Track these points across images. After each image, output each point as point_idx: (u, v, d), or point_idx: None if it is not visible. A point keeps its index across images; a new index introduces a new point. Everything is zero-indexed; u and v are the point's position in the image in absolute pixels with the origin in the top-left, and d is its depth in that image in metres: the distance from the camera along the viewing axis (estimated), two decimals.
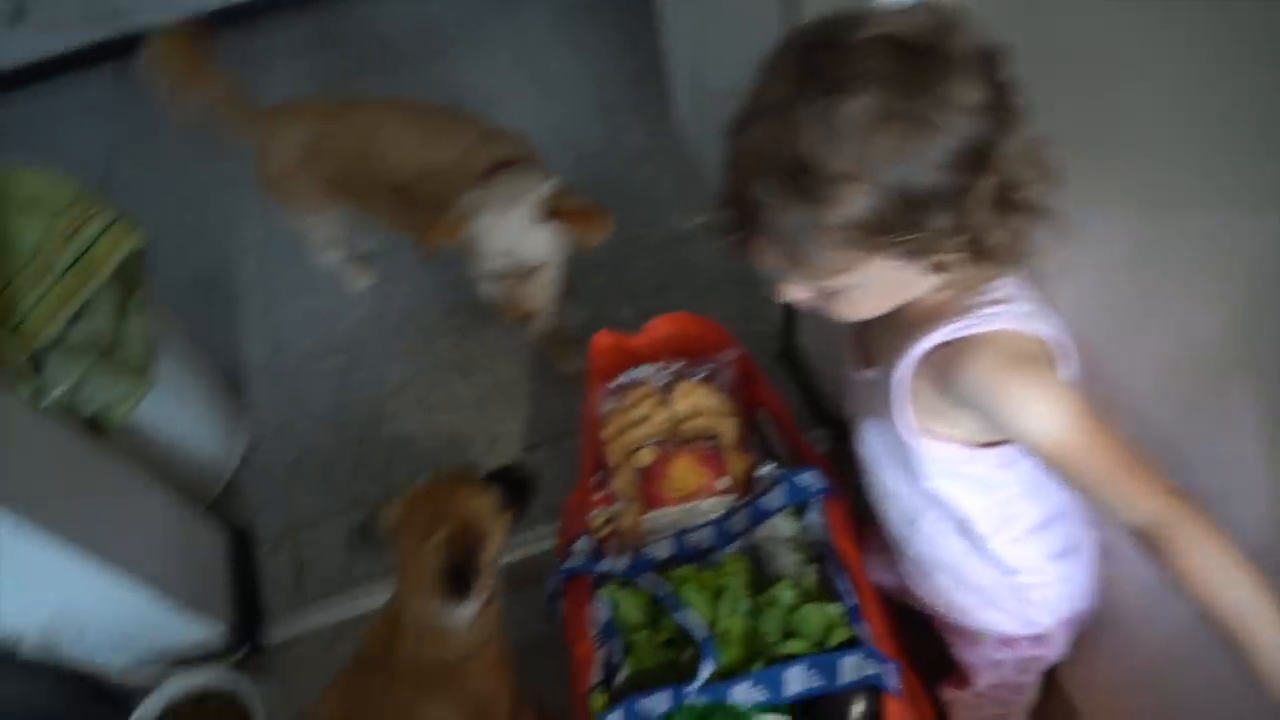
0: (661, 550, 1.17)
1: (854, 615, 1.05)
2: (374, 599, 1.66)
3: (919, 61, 0.64)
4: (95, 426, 1.42)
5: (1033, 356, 0.76)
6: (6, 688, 1.33)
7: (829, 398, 1.75)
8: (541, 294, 1.50)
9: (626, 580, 1.11)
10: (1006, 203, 0.68)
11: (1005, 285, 0.78)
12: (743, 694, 0.99)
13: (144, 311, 1.51)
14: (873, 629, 1.04)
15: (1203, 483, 0.77)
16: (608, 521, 1.28)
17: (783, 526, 1.17)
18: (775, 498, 1.16)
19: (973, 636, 1.07)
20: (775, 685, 0.99)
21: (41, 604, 1.32)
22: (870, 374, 0.90)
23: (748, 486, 1.26)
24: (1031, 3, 0.80)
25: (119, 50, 2.88)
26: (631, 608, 1.09)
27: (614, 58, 2.63)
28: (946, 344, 0.77)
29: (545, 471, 1.78)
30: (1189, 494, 0.72)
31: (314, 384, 2.01)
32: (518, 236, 1.42)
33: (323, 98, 1.80)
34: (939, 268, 0.73)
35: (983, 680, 1.15)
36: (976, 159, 0.66)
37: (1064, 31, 0.78)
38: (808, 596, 1.07)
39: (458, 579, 1.10)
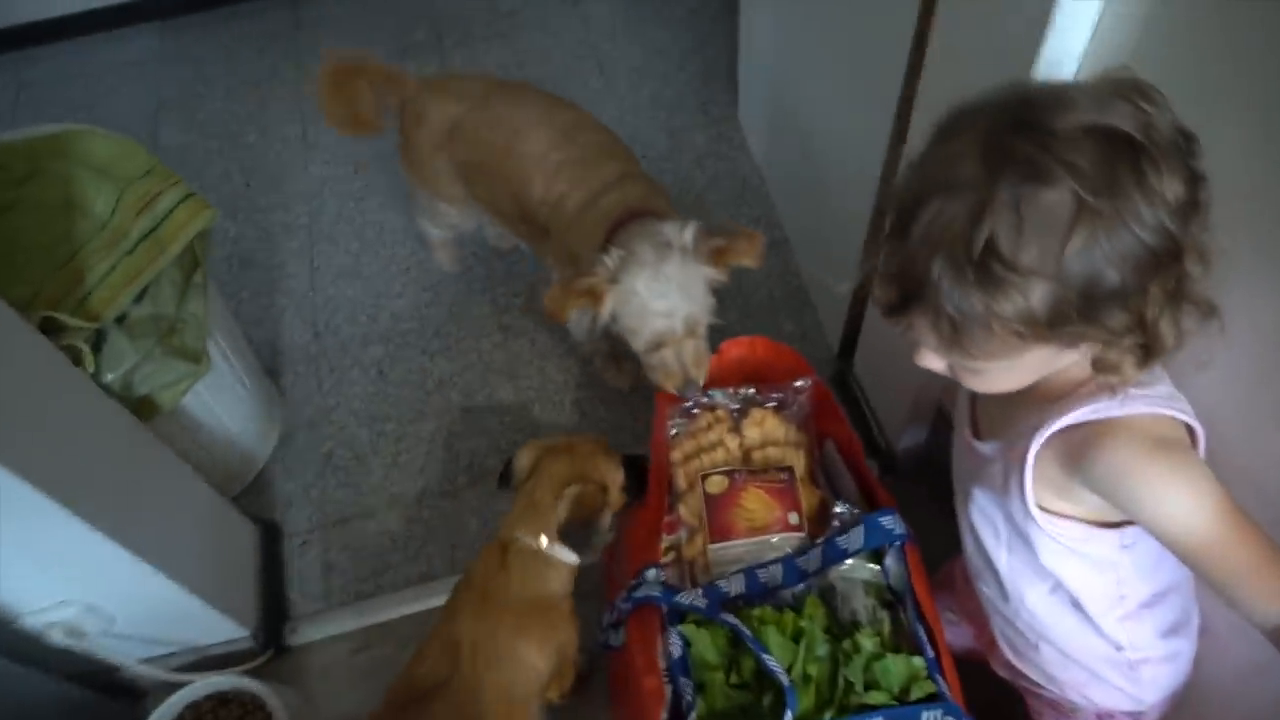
0: (734, 586, 1.12)
1: (934, 668, 1.01)
2: (402, 607, 1.62)
3: (1123, 157, 0.61)
4: (143, 409, 1.37)
5: (1174, 443, 0.74)
6: (30, 677, 1.28)
7: (881, 427, 1.71)
8: (705, 352, 1.33)
9: (705, 618, 1.07)
10: (1180, 297, 0.67)
11: (1146, 373, 0.75)
12: None
13: (204, 292, 1.46)
14: (949, 685, 1.01)
15: None
16: (670, 548, 1.24)
17: (859, 569, 1.13)
18: (854, 539, 1.12)
19: (1067, 710, 1.03)
20: None
21: (74, 592, 1.26)
22: (986, 448, 0.88)
23: (819, 523, 1.22)
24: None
25: (164, 6, 2.80)
26: (707, 646, 1.05)
27: (681, 55, 2.59)
28: (1080, 425, 0.75)
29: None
30: None
31: (352, 374, 1.96)
32: (681, 289, 1.28)
33: (483, 76, 1.72)
34: (1100, 364, 0.71)
35: None
36: (1165, 258, 0.63)
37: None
38: (886, 645, 1.04)
39: (581, 531, 1.22)
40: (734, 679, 1.04)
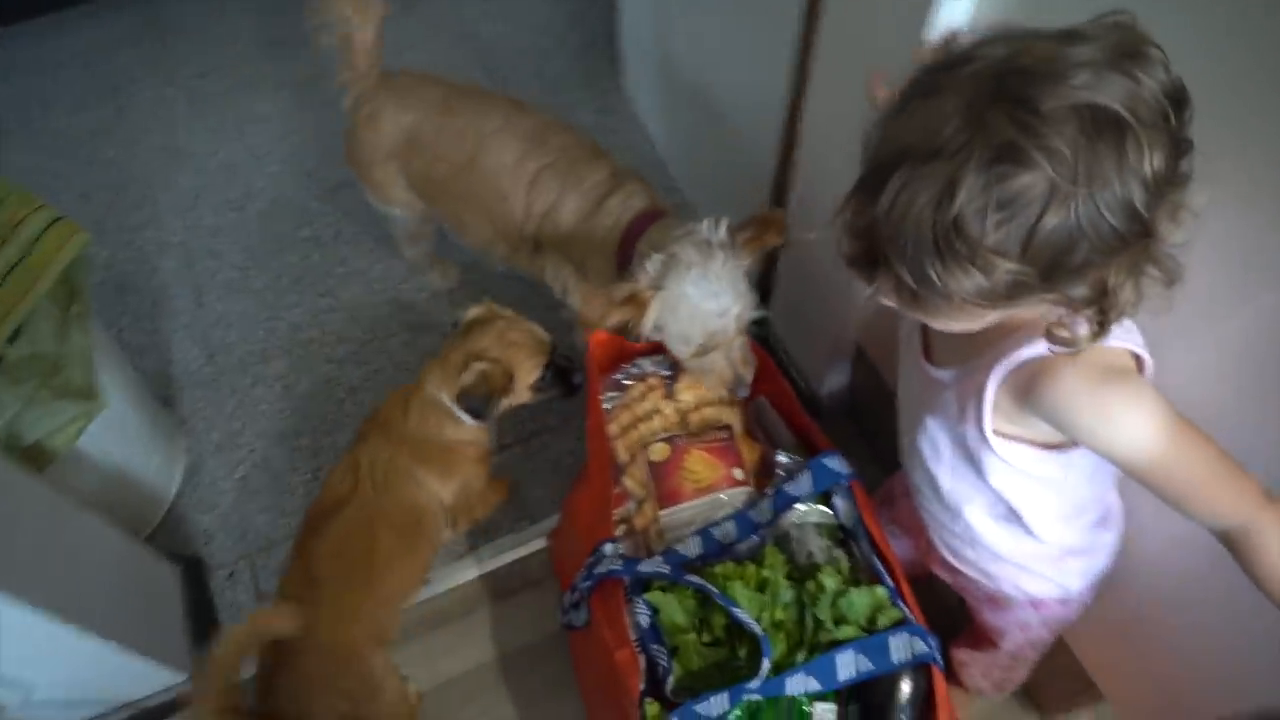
0: (691, 548, 1.12)
1: (895, 595, 1.04)
2: None
3: (1107, 138, 0.59)
4: (35, 457, 1.26)
5: (1121, 371, 0.75)
6: None
7: (804, 375, 1.74)
8: (748, 347, 1.28)
9: (670, 583, 1.06)
10: (1145, 263, 0.66)
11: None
12: (797, 685, 0.97)
13: (85, 324, 1.35)
14: (910, 609, 1.04)
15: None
16: (621, 521, 1.23)
17: (810, 513, 1.14)
18: (803, 484, 1.13)
19: (1004, 602, 1.08)
20: (829, 673, 0.97)
21: None
22: (942, 375, 0.88)
23: (763, 475, 1.23)
24: None
25: None
26: (676, 610, 1.05)
27: (560, 30, 2.55)
28: (1033, 358, 0.76)
29: (515, 472, 1.72)
30: (1274, 493, 0.73)
31: (256, 393, 1.86)
32: (732, 287, 1.21)
33: (440, 80, 1.58)
34: (1054, 337, 0.71)
35: (1009, 641, 1.17)
36: (1133, 238, 0.63)
37: None
38: (847, 581, 1.06)
39: (474, 403, 1.30)
40: (706, 637, 1.04)
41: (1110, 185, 0.60)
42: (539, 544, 1.61)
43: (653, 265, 1.21)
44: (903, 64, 0.69)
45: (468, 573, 1.59)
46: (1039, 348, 0.75)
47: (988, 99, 0.61)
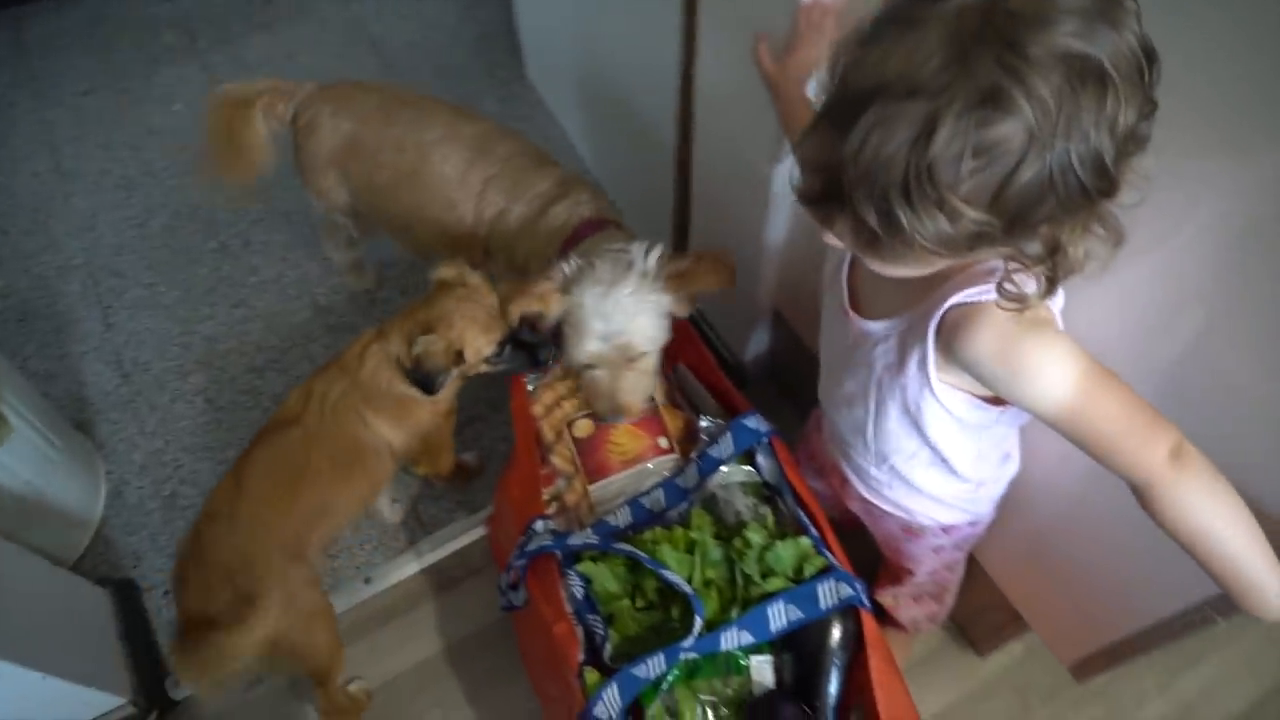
0: (621, 518, 1.15)
1: (820, 544, 1.08)
2: None
3: (1089, 90, 0.57)
4: None
5: (1041, 322, 0.75)
6: None
7: (725, 342, 1.78)
8: (646, 382, 1.26)
9: (601, 553, 1.08)
10: (1095, 222, 0.65)
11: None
12: (731, 640, 1.00)
13: None
14: (835, 554, 1.08)
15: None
16: (552, 499, 1.25)
17: (734, 473, 1.18)
18: (725, 446, 1.16)
19: (916, 531, 1.13)
20: (761, 625, 1.00)
21: None
22: (875, 326, 0.87)
23: (688, 442, 1.26)
24: None
25: None
26: (608, 579, 1.07)
27: (455, 22, 2.53)
28: (957, 304, 0.75)
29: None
30: (1187, 447, 0.72)
31: (176, 409, 1.82)
32: (631, 316, 1.20)
33: (379, 86, 1.56)
34: (1006, 294, 0.70)
35: (923, 568, 1.23)
36: (1099, 193, 0.61)
37: None
38: (773, 535, 1.09)
39: (419, 377, 1.29)
40: (640, 603, 1.07)
41: (1087, 139, 0.58)
42: (478, 532, 1.62)
43: (568, 268, 1.22)
44: (784, 26, 0.68)
45: (409, 568, 1.60)
46: (968, 294, 0.74)
47: (973, 38, 0.58)
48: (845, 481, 1.14)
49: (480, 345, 1.31)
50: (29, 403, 1.52)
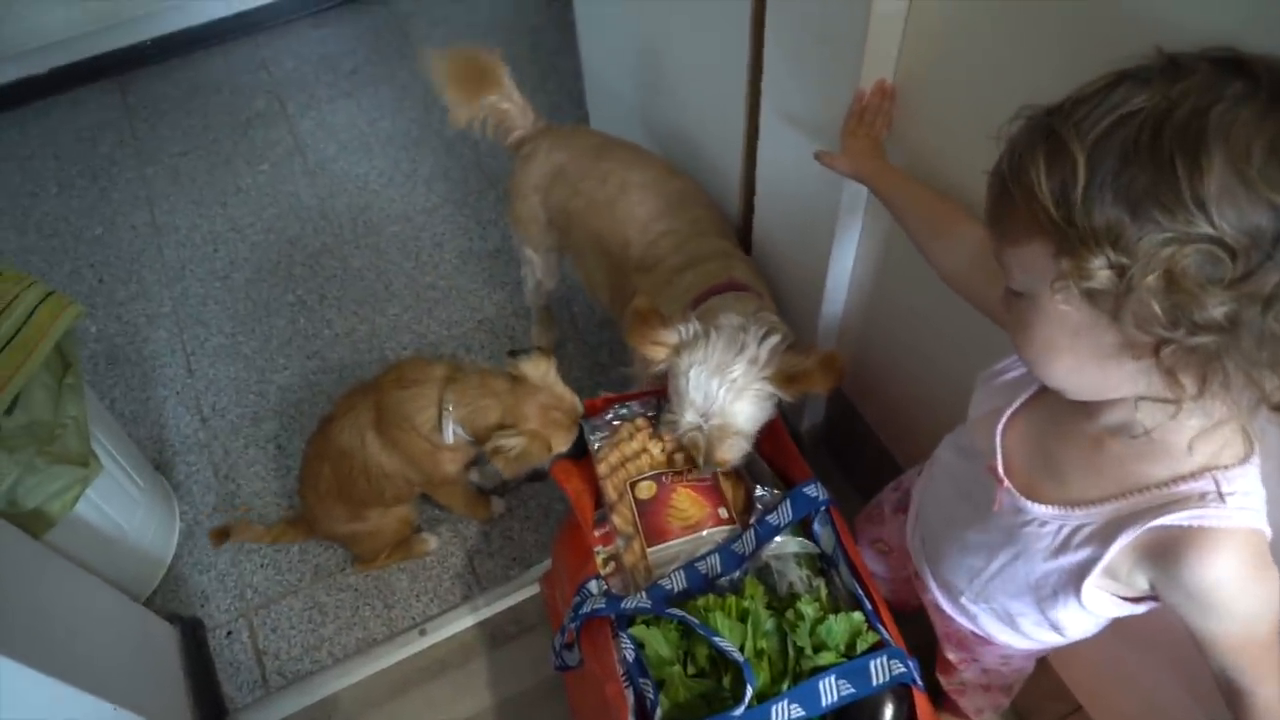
0: (675, 582, 1.16)
1: (874, 619, 1.08)
2: (344, 678, 1.58)
3: None
4: (34, 523, 1.29)
5: (1268, 561, 0.70)
6: None
7: (782, 411, 1.80)
8: (743, 444, 1.26)
9: (654, 617, 1.10)
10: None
11: (1248, 471, 0.69)
12: (781, 712, 0.99)
13: (79, 393, 1.39)
14: (889, 630, 1.08)
15: None
16: (610, 559, 1.27)
17: (788, 543, 1.19)
18: (783, 513, 1.18)
19: (991, 641, 1.07)
20: (812, 699, 1.00)
21: None
22: (1037, 509, 0.80)
23: (746, 512, 1.28)
24: None
25: None
26: (660, 643, 1.09)
27: (529, 91, 2.63)
28: (1178, 526, 0.69)
29: (509, 520, 1.77)
30: None
31: (249, 455, 1.90)
32: (732, 400, 1.20)
33: (602, 134, 1.68)
34: (1169, 376, 0.60)
35: (990, 667, 1.19)
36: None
37: None
38: (826, 608, 1.10)
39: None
40: (691, 669, 1.08)
41: None
42: (533, 589, 1.65)
43: (688, 330, 1.23)
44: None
45: (464, 621, 1.63)
46: (1186, 517, 0.68)
47: (1206, 79, 0.55)
48: (922, 581, 1.09)
49: (560, 445, 1.38)
50: (117, 443, 1.61)
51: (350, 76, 2.74)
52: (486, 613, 1.63)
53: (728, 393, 1.20)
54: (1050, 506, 0.79)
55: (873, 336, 1.47)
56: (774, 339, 1.23)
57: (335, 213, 2.37)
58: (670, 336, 1.24)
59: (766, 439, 1.36)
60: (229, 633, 1.65)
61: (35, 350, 1.33)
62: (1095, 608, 0.80)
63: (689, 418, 1.22)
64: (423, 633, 1.61)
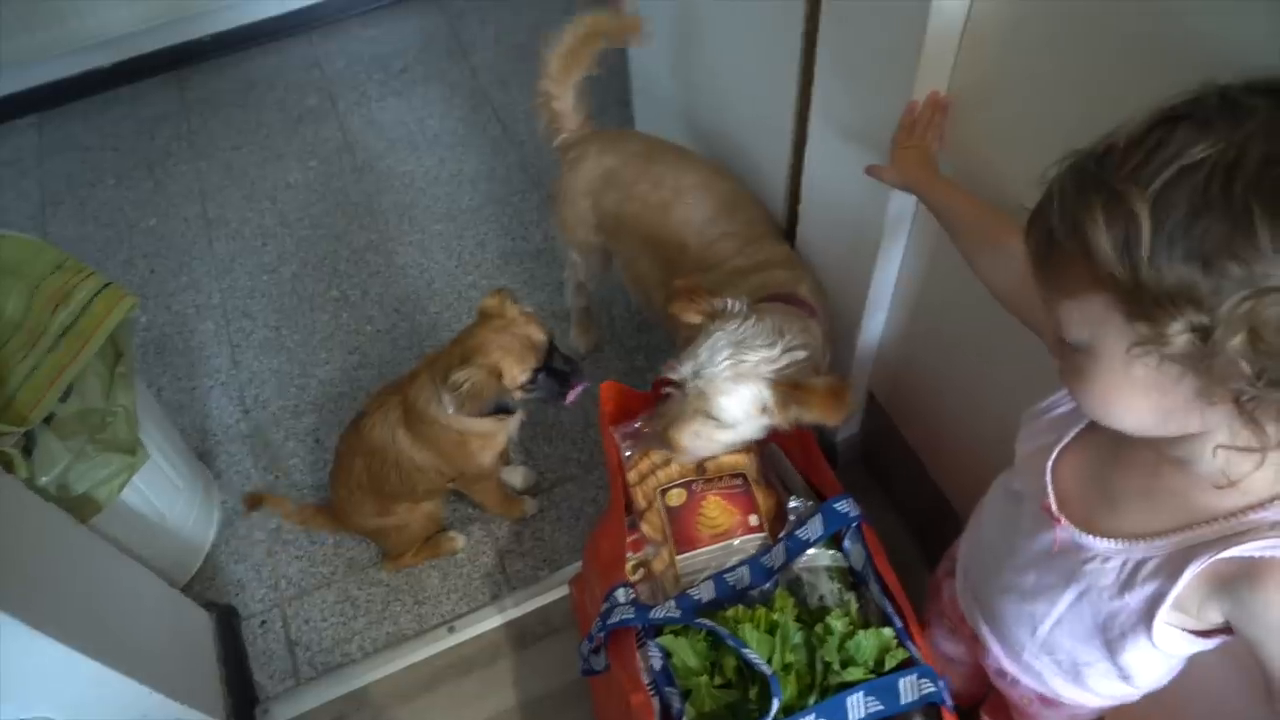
0: (704, 592, 1.16)
1: (904, 636, 1.07)
2: (373, 671, 1.60)
3: None
4: (82, 507, 1.33)
5: None
6: None
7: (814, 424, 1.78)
8: (707, 444, 1.25)
9: (682, 626, 1.10)
10: None
11: None
12: None
13: (130, 383, 1.43)
14: (919, 649, 1.07)
15: None
16: (639, 565, 1.27)
17: (820, 556, 1.18)
18: (813, 528, 1.17)
19: (1055, 704, 1.02)
20: (839, 714, 0.99)
21: (32, 707, 1.21)
22: (1097, 543, 0.78)
23: (777, 521, 1.27)
24: None
25: (42, 98, 2.74)
26: (687, 653, 1.08)
27: None
28: (1251, 557, 0.67)
29: (540, 521, 1.77)
30: None
31: (289, 447, 1.93)
32: (727, 380, 1.19)
33: (649, 136, 1.70)
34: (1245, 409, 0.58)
35: None
36: None
37: None
38: (856, 623, 1.09)
39: (481, 407, 1.40)
40: (718, 680, 1.07)
41: None
42: (561, 591, 1.65)
43: (736, 303, 1.23)
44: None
45: (492, 621, 1.64)
46: (1260, 548, 0.66)
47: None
48: (982, 644, 1.04)
49: (515, 373, 1.40)
50: (163, 432, 1.65)
51: (400, 75, 2.77)
52: (515, 613, 1.64)
53: (730, 367, 1.18)
54: (1111, 541, 0.77)
55: (915, 355, 1.45)
56: (800, 354, 1.21)
57: (381, 210, 2.40)
58: (712, 305, 1.24)
59: (798, 451, 1.35)
60: (263, 622, 1.68)
61: (91, 340, 1.37)
62: (1167, 646, 0.77)
63: (685, 368, 1.21)
64: (451, 630, 1.63)
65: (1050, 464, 0.84)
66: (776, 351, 1.19)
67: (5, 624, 1.05)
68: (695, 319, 1.24)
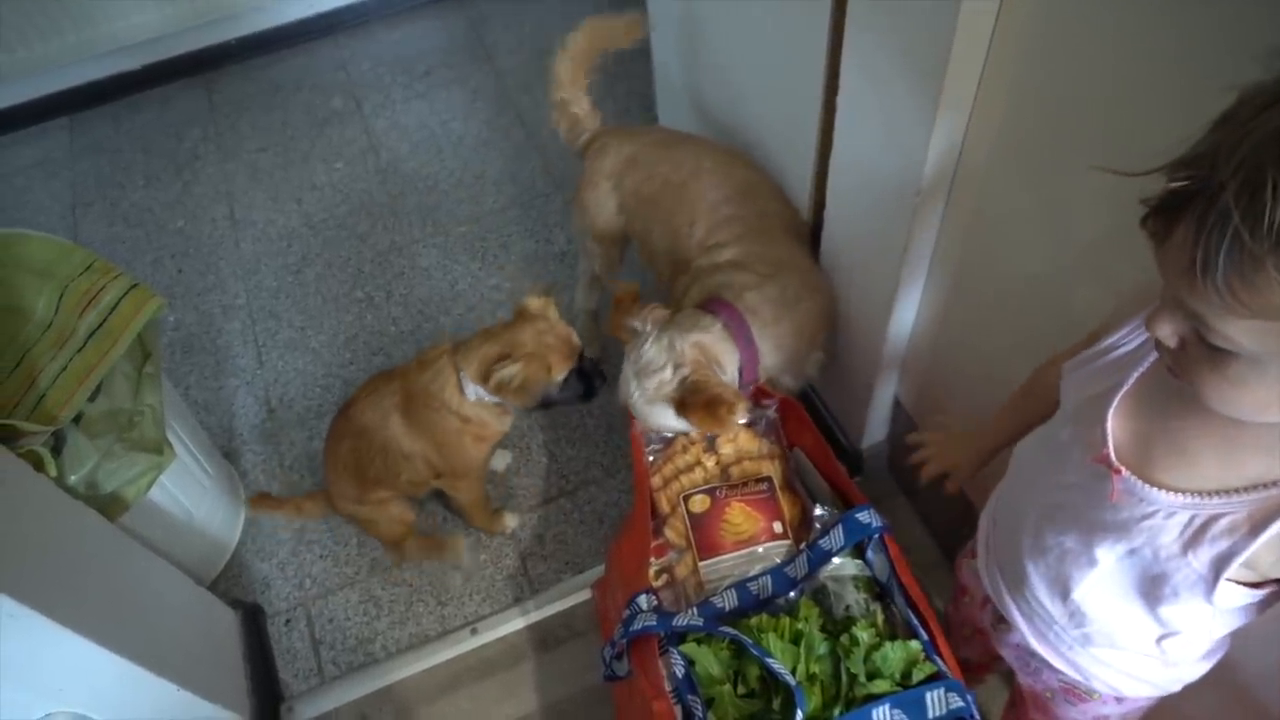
0: (726, 601, 1.15)
1: (930, 649, 1.05)
2: (396, 672, 1.61)
3: None
4: (110, 506, 1.35)
5: None
6: None
7: (844, 430, 1.77)
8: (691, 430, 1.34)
9: (705, 635, 1.09)
10: None
11: None
12: None
13: (157, 382, 1.44)
14: (947, 663, 1.05)
15: None
16: (662, 571, 1.26)
17: (846, 565, 1.17)
18: (835, 538, 1.16)
19: (1081, 695, 1.00)
20: None
21: (59, 703, 1.22)
22: (1165, 497, 0.72)
23: (802, 528, 1.26)
24: None
25: (72, 100, 2.78)
26: (710, 661, 1.08)
27: (597, 97, 2.65)
28: None
29: (563, 524, 1.77)
30: None
31: (313, 447, 1.94)
32: (657, 421, 1.33)
33: (666, 128, 1.76)
34: None
35: None
36: None
37: None
38: (882, 635, 1.08)
39: (532, 397, 1.45)
40: (741, 689, 1.06)
41: None
42: (583, 595, 1.65)
43: (645, 322, 1.34)
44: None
45: (514, 623, 1.64)
46: None
47: None
48: (1002, 621, 1.02)
49: (558, 370, 1.46)
50: (190, 431, 1.66)
51: (424, 78, 2.79)
52: (537, 616, 1.64)
53: (639, 394, 1.31)
54: (1180, 495, 0.72)
55: (941, 361, 1.44)
56: (685, 371, 1.30)
57: (405, 211, 2.42)
58: (632, 325, 1.35)
59: (821, 459, 1.34)
60: (288, 620, 1.69)
61: (119, 340, 1.39)
62: (1224, 599, 0.73)
63: (620, 394, 1.35)
64: (474, 632, 1.63)
65: (1111, 411, 0.77)
66: (669, 374, 1.30)
67: (34, 621, 1.06)
68: (624, 337, 1.36)
